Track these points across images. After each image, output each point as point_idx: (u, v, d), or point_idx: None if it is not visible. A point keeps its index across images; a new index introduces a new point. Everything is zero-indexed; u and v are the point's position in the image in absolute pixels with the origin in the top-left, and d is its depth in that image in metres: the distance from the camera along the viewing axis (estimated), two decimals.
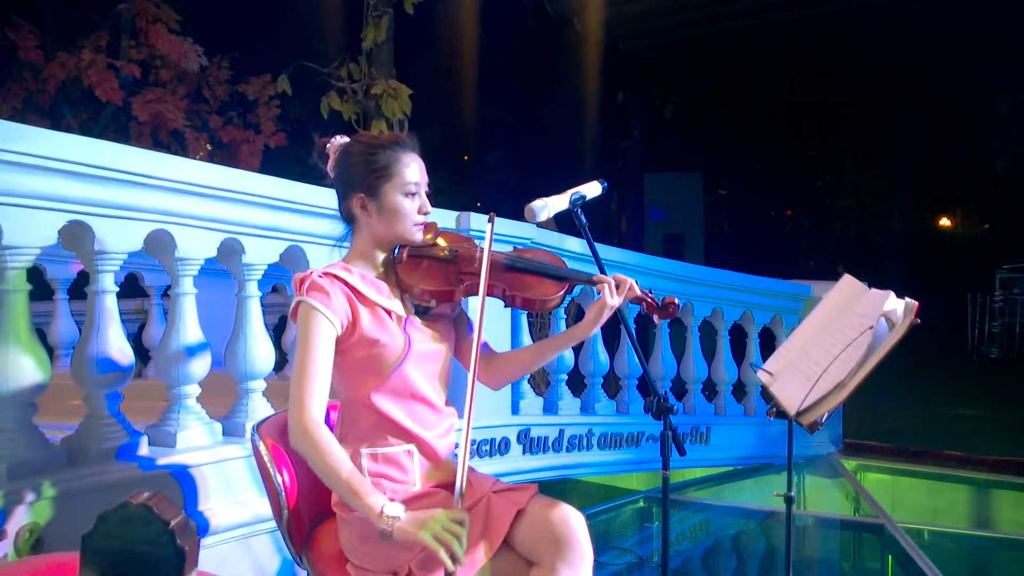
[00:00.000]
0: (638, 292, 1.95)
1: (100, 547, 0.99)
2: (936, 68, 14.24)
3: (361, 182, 1.86)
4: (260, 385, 2.89)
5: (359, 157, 1.87)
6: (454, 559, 1.57)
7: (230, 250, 2.77)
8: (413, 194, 1.87)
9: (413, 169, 1.87)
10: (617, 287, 1.90)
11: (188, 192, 2.54)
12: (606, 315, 1.90)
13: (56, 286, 4.80)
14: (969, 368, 12.47)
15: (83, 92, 8.72)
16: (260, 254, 2.83)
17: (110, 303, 2.46)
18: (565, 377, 4.24)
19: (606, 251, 4.20)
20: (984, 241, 17.67)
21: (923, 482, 5.37)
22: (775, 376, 2.61)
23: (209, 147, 9.46)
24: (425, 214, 1.89)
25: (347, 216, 1.93)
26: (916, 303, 2.38)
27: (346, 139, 1.94)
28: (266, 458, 1.91)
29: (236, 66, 9.39)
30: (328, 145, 1.94)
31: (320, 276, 1.79)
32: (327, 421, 2.08)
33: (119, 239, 2.41)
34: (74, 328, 4.74)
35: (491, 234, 1.88)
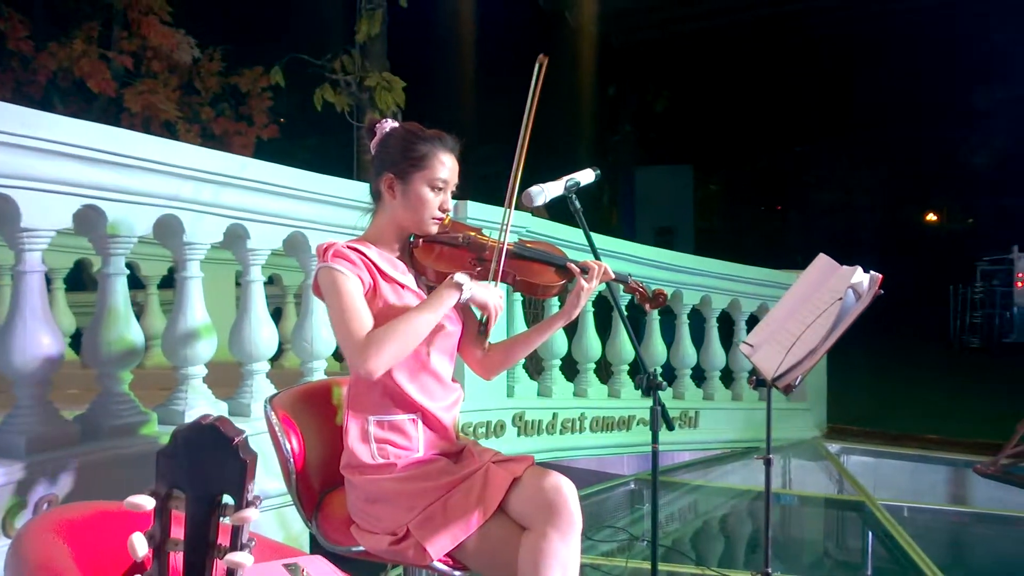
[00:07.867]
0: (612, 276, 2.09)
1: (171, 461, 1.12)
2: (925, 66, 14.43)
3: (395, 164, 1.97)
4: (264, 367, 2.98)
5: (400, 141, 1.98)
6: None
7: (235, 235, 2.86)
8: (439, 189, 1.97)
9: (446, 167, 1.97)
10: (587, 273, 2.04)
11: (197, 178, 2.63)
12: (583, 299, 2.06)
13: (53, 276, 4.83)
14: (950, 356, 12.72)
15: (74, 83, 8.73)
16: (264, 240, 2.92)
17: (121, 285, 2.55)
18: (559, 363, 4.35)
19: (599, 240, 4.30)
20: (969, 235, 17.91)
21: (905, 464, 5.53)
22: (756, 347, 2.79)
23: (200, 140, 9.51)
24: (444, 211, 1.99)
25: (375, 194, 2.03)
26: (880, 276, 2.55)
27: (396, 124, 2.04)
28: (277, 428, 2.01)
29: (229, 58, 9.41)
30: (378, 125, 2.03)
31: (344, 247, 1.89)
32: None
33: (130, 223, 2.50)
34: (72, 318, 4.77)
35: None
